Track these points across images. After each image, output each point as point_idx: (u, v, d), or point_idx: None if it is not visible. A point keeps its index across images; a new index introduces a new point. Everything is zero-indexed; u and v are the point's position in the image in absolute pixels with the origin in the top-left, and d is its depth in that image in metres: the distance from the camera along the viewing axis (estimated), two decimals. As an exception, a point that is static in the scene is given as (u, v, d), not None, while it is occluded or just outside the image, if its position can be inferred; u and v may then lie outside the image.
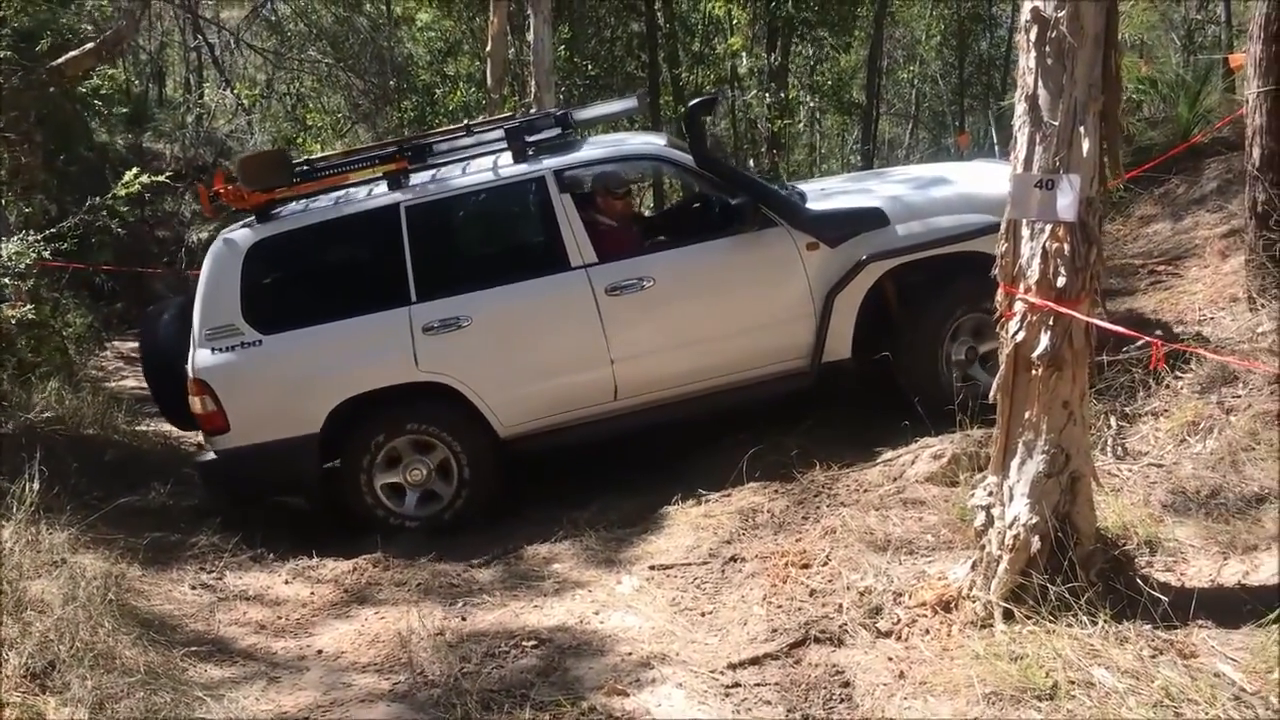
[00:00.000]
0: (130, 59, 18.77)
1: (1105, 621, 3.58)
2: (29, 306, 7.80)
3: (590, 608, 4.79)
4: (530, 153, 6.10)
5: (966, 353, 6.01)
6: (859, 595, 4.32)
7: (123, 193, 5.46)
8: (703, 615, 4.56)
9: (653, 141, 6.47)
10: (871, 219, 5.97)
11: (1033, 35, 3.75)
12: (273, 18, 12.18)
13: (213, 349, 5.95)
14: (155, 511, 6.24)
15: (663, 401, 6.06)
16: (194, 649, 4.55)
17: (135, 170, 5.25)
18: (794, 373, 6.04)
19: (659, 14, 13.78)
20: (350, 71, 11.24)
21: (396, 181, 6.08)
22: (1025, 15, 3.78)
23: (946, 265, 5.91)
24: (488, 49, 10.21)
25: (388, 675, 4.32)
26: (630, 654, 4.25)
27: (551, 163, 6.06)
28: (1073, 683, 3.33)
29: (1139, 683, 3.26)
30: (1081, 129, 3.69)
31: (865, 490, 5.29)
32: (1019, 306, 3.84)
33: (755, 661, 4.05)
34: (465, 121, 6.67)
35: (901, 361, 6.02)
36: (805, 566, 4.68)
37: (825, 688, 3.79)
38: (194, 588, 5.38)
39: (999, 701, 3.38)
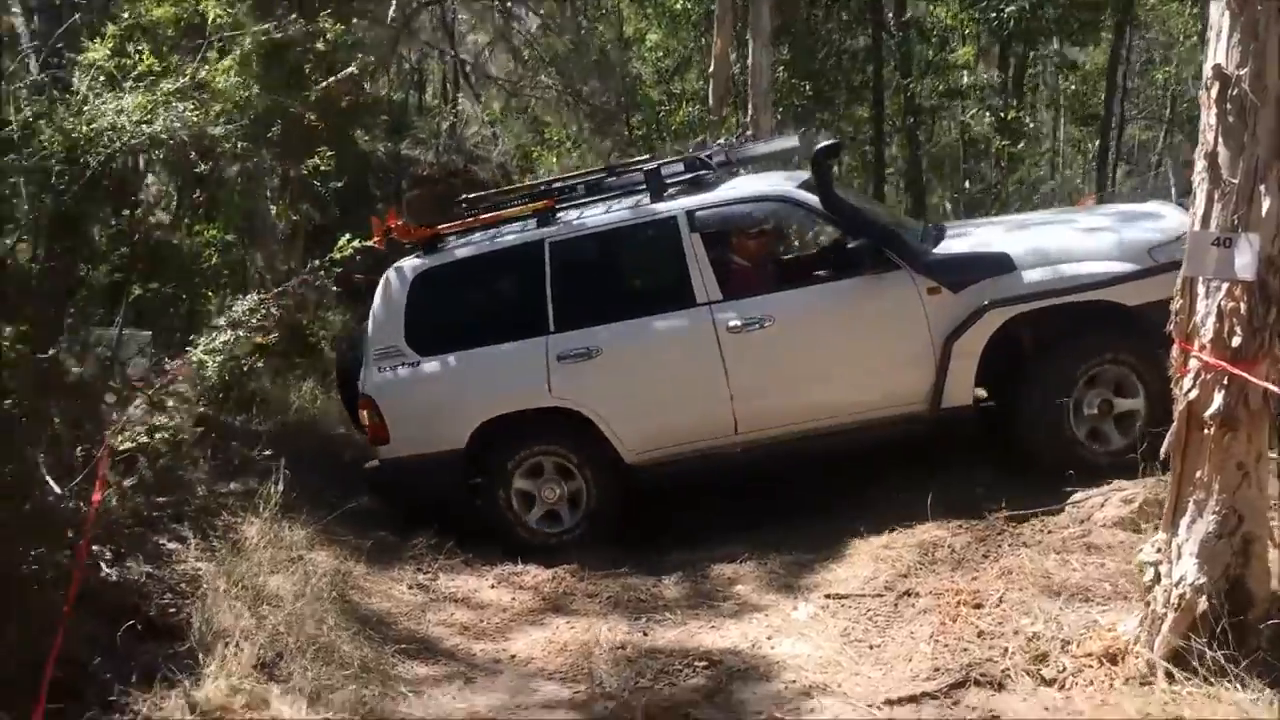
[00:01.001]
0: (394, 67, 20.12)
1: (1269, 691, 3.50)
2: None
3: (764, 632, 5.00)
4: (666, 193, 6.40)
5: (1100, 406, 5.81)
6: (1027, 640, 4.32)
7: (338, 256, 6.03)
8: (870, 648, 4.69)
9: (782, 184, 6.51)
10: (996, 264, 5.89)
11: (1214, 92, 3.68)
12: (514, 42, 12.87)
13: (379, 368, 6.57)
14: (380, 514, 6.83)
15: (782, 438, 6.20)
16: (403, 647, 5.06)
17: (347, 236, 5.81)
18: (912, 417, 6.04)
19: (889, 23, 13.66)
20: (577, 96, 11.81)
21: (545, 219, 6.49)
22: (1207, 72, 3.72)
23: (1080, 315, 5.78)
24: (710, 69, 10.52)
25: (570, 684, 4.68)
26: (794, 682, 4.44)
27: (684, 203, 6.33)
28: (1222, 752, 3.29)
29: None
30: (1262, 188, 3.61)
31: (1049, 531, 5.25)
32: (1193, 364, 3.78)
33: (913, 699, 4.14)
34: (609, 164, 7.02)
35: (1021, 414, 5.94)
36: (978, 606, 4.72)
37: (985, 734, 3.86)
38: (410, 587, 5.92)
39: (1145, 761, 3.38)
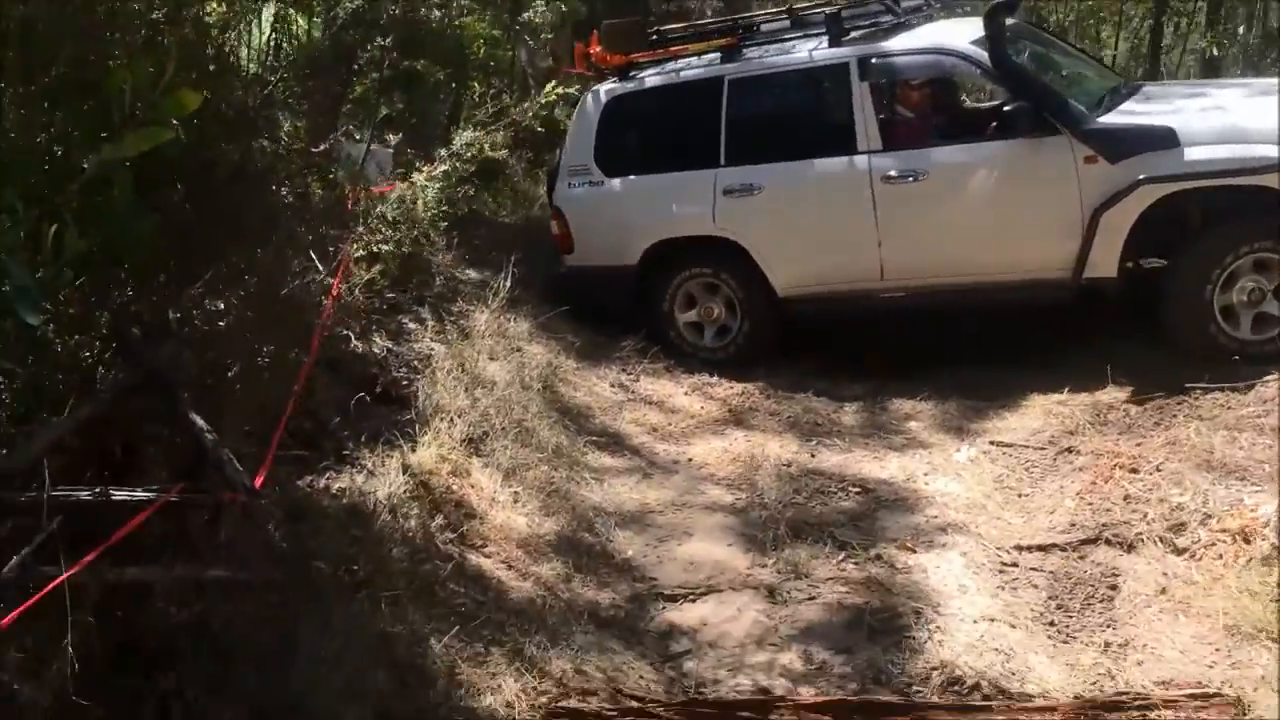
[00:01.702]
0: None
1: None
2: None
3: (922, 468, 5.34)
4: (843, 39, 6.43)
5: (1251, 293, 5.58)
6: (1170, 509, 4.48)
7: (544, 101, 6.40)
8: (1019, 496, 4.96)
9: (955, 38, 6.32)
10: (1160, 138, 5.62)
11: None
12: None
13: (569, 183, 7.16)
14: (595, 315, 7.41)
15: (925, 290, 6.35)
16: (595, 439, 5.71)
17: (553, 83, 6.17)
18: (1055, 283, 5.99)
19: None
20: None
21: (728, 56, 6.73)
22: None
23: (1240, 198, 5.50)
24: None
25: (733, 489, 5.22)
26: (936, 517, 4.80)
27: (857, 50, 6.36)
28: (1306, 637, 3.48)
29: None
30: None
31: (1228, 409, 5.23)
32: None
33: (1043, 549, 4.43)
34: (787, 6, 7.01)
35: (1166, 290, 5.80)
36: (1134, 471, 4.87)
37: (1092, 586, 4.13)
38: (612, 386, 6.53)
39: (1234, 635, 3.60)
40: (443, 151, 5.32)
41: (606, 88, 7.20)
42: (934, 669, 3.66)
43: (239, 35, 5.20)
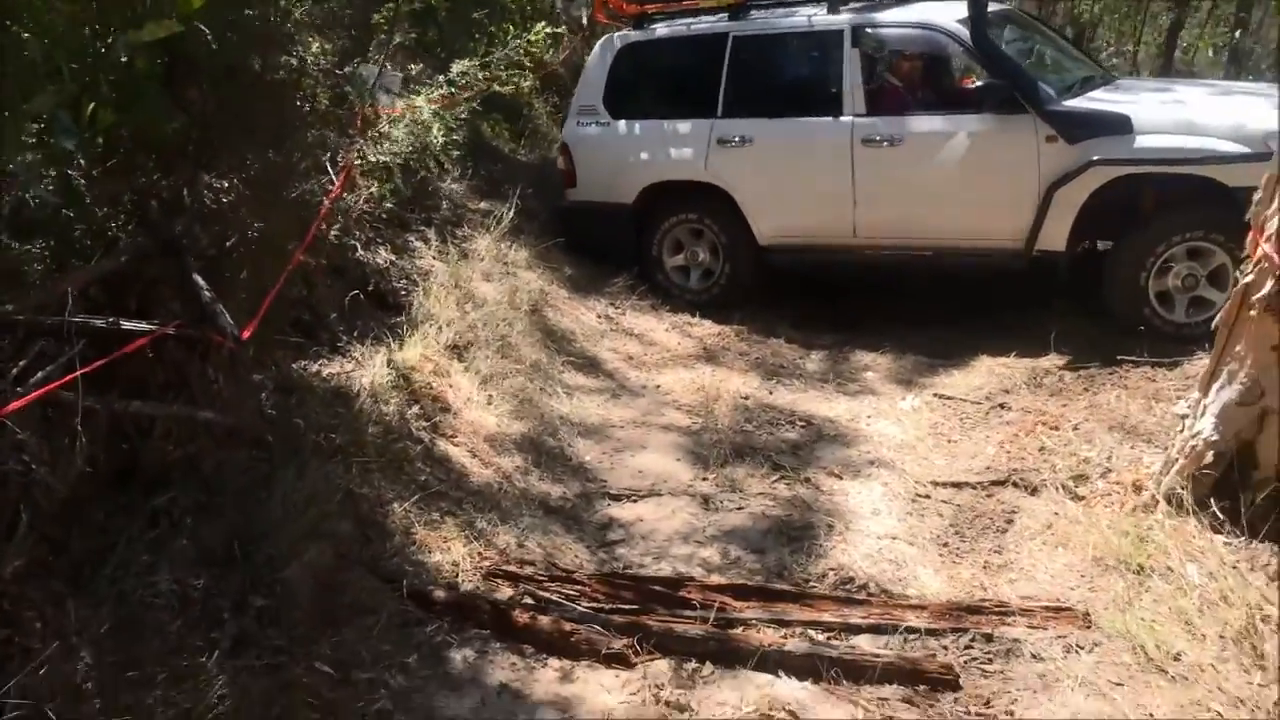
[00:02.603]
0: None
1: (1235, 536, 4.07)
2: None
3: (867, 411, 5.82)
4: (841, 7, 6.90)
5: (1185, 279, 6.01)
6: (1078, 462, 4.95)
7: (532, 38, 6.79)
8: (949, 441, 5.43)
9: (942, 15, 6.71)
10: (1115, 124, 6.04)
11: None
12: None
13: (579, 122, 7.73)
14: (594, 250, 7.89)
15: (893, 249, 6.87)
16: (572, 360, 6.22)
17: (543, 24, 6.57)
18: (1010, 252, 6.47)
19: None
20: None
21: (735, 14, 7.21)
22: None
23: (1183, 186, 5.92)
24: None
25: (691, 415, 5.71)
26: (869, 453, 5.28)
27: (851, 19, 6.82)
28: (1161, 568, 3.94)
29: (1214, 583, 3.81)
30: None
31: (1152, 380, 5.67)
32: (1259, 252, 4.17)
33: (956, 485, 4.91)
34: None
35: (1108, 269, 6.25)
36: (1054, 428, 5.33)
37: (990, 519, 4.60)
38: (598, 317, 7.03)
39: (1099, 565, 4.07)
40: (441, 78, 5.75)
41: (619, 35, 7.68)
42: (831, 569, 4.15)
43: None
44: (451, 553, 3.98)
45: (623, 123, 7.58)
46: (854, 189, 6.80)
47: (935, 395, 5.95)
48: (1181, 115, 6.17)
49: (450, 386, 5.14)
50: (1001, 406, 5.70)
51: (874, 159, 6.72)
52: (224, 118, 3.51)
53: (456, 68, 5.88)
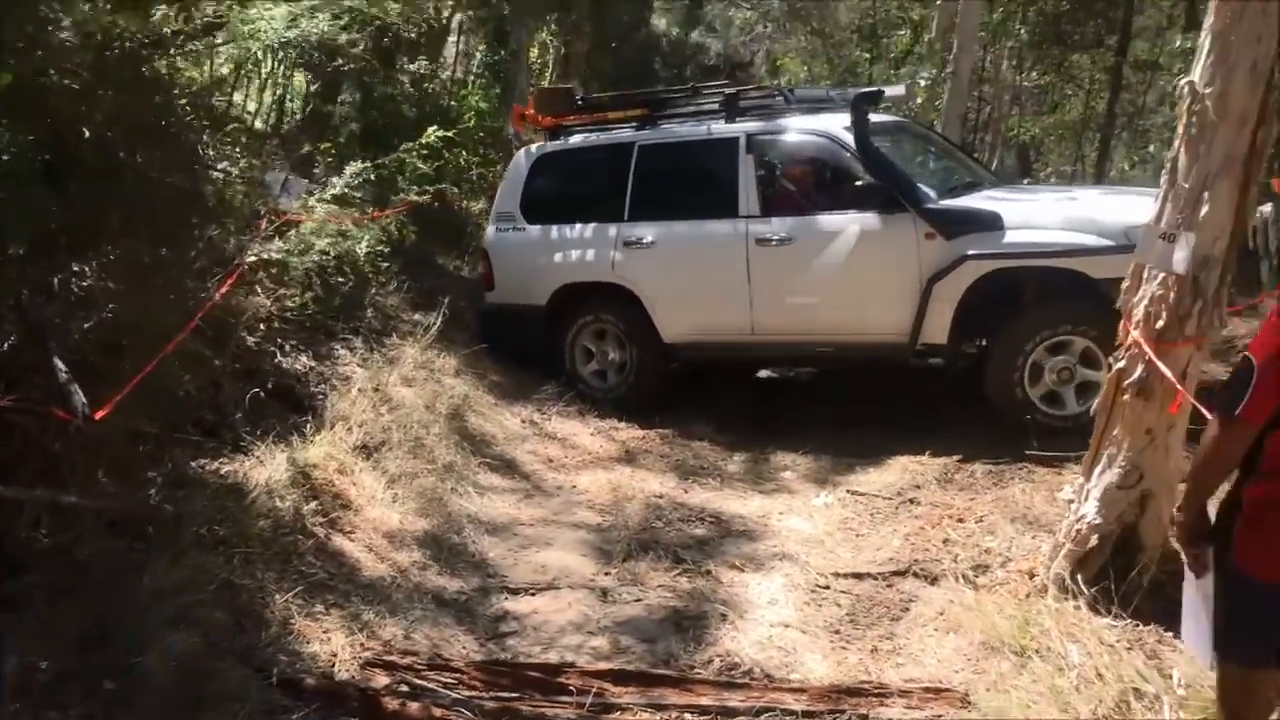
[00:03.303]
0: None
1: (1118, 617, 4.08)
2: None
3: (780, 508, 5.85)
4: (737, 117, 7.20)
5: (1061, 372, 6.16)
6: (980, 552, 4.99)
7: (424, 142, 6.97)
8: (857, 535, 5.46)
9: (830, 123, 7.01)
10: (987, 220, 6.31)
11: (1184, 104, 4.10)
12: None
13: (497, 228, 8.00)
14: (525, 357, 7.98)
15: (788, 344, 7.13)
16: (490, 461, 6.24)
17: (434, 128, 6.79)
18: (895, 345, 6.64)
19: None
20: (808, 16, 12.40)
21: (642, 125, 7.54)
22: (1183, 83, 4.13)
23: (1053, 280, 6.13)
24: (937, 1, 10.79)
25: (603, 514, 5.72)
26: (774, 547, 5.29)
27: (746, 127, 7.12)
28: (1044, 650, 3.94)
29: (1092, 662, 3.81)
30: (1207, 194, 4.03)
31: (1057, 473, 5.73)
32: (1129, 339, 4.29)
33: (857, 576, 4.92)
34: (691, 84, 8.16)
35: (987, 365, 6.41)
36: (960, 521, 5.38)
37: (887, 607, 4.61)
38: (522, 422, 7.08)
39: (985, 648, 4.07)
40: (334, 179, 5.89)
41: (538, 145, 8.00)
42: (718, 656, 4.13)
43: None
44: (331, 643, 3.94)
45: (538, 227, 7.81)
46: (750, 287, 7.00)
47: (849, 492, 5.99)
48: (1049, 212, 6.45)
49: (354, 484, 5.15)
50: (911, 501, 5.74)
51: (768, 258, 6.94)
52: (103, 212, 3.61)
53: (350, 169, 6.01)
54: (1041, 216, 6.40)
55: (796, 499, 6.02)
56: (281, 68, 9.04)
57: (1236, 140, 3.99)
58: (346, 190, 5.90)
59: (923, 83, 10.20)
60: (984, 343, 6.64)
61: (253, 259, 4.97)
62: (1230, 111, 3.97)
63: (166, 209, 3.95)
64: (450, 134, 7.17)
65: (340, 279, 6.72)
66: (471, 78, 14.85)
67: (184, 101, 4.64)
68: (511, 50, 14.47)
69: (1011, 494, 5.55)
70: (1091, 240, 6.01)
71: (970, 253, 6.30)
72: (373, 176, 6.22)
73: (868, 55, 12.56)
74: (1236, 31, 3.96)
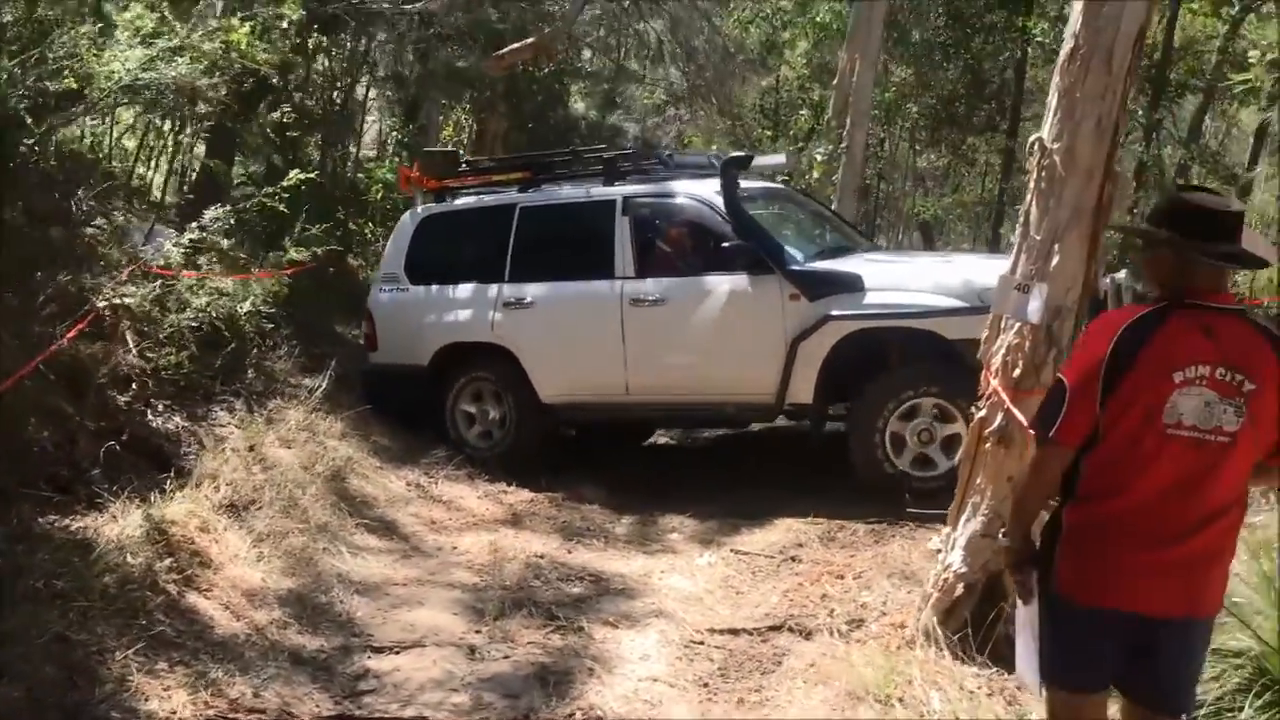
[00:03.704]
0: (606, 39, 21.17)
1: (982, 665, 4.07)
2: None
3: (662, 567, 5.78)
4: (616, 180, 7.33)
5: (920, 434, 6.23)
6: (856, 606, 4.96)
7: (287, 183, 6.87)
8: (736, 593, 5.40)
9: (701, 187, 7.15)
10: (848, 282, 6.45)
11: (1035, 158, 4.22)
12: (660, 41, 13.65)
13: (381, 289, 8.00)
14: (416, 421, 7.87)
15: (661, 404, 7.16)
16: (368, 523, 6.08)
17: (296, 171, 6.73)
18: (763, 405, 6.74)
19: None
20: (711, 97, 12.75)
21: (525, 187, 7.63)
22: (1033, 139, 4.26)
23: (911, 341, 6.26)
24: (835, 82, 11.07)
25: (480, 574, 5.58)
26: (653, 605, 5.20)
27: (623, 190, 7.23)
28: (907, 698, 3.90)
29: (952, 708, 3.78)
30: (1058, 246, 4.13)
31: (938, 531, 5.73)
32: (989, 388, 4.33)
33: (733, 632, 4.85)
34: (572, 148, 8.40)
35: (849, 427, 6.51)
36: (839, 577, 5.36)
37: (759, 661, 4.55)
38: (408, 485, 6.93)
39: (851, 698, 4.01)
40: (193, 224, 5.74)
41: (421, 209, 7.97)
42: (580, 710, 4.03)
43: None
44: (172, 700, 3.76)
45: (421, 288, 7.79)
46: (625, 347, 7.03)
47: (732, 551, 5.95)
48: (909, 275, 6.60)
49: (216, 542, 4.97)
50: (793, 559, 5.72)
51: (641, 318, 6.99)
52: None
53: (209, 213, 5.89)
54: (901, 279, 6.53)
55: (680, 558, 5.96)
56: (174, 133, 8.98)
57: (1084, 193, 4.11)
58: (205, 235, 5.75)
59: (819, 158, 10.41)
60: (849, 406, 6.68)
61: (104, 304, 4.81)
62: (1078, 165, 4.09)
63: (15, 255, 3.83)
64: (312, 176, 7.04)
65: (222, 339, 6.59)
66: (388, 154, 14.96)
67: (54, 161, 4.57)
68: (420, 125, 14.61)
69: (891, 550, 5.55)
70: (946, 301, 6.14)
71: (832, 313, 6.38)
72: (233, 221, 6.09)
73: (769, 133, 12.84)
74: (1081, 89, 4.10)
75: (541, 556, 5.83)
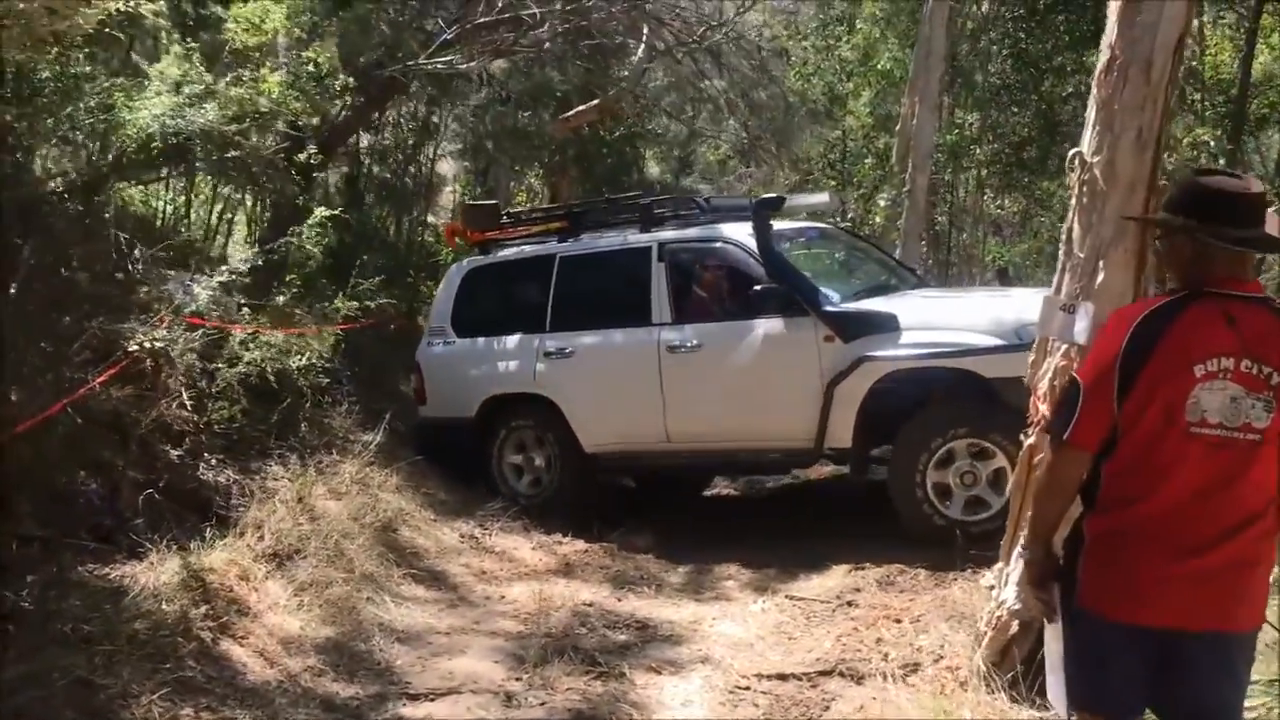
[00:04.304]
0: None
1: (1037, 706, 3.81)
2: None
3: (713, 614, 5.61)
4: (652, 227, 7.24)
5: (963, 477, 5.95)
6: (912, 650, 4.73)
7: (312, 221, 6.75)
8: (789, 639, 5.19)
9: (735, 230, 7.00)
10: (884, 322, 6.23)
11: (1075, 174, 4.06)
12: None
13: (429, 342, 7.98)
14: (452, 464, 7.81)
15: (702, 452, 6.99)
16: (415, 573, 6.01)
17: (321, 209, 6.70)
18: (803, 450, 6.55)
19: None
20: (775, 149, 12.73)
21: (564, 237, 7.58)
22: (1072, 153, 4.09)
23: (951, 381, 6.01)
24: (898, 128, 10.97)
25: (525, 622, 5.46)
26: (700, 650, 5.04)
27: (659, 236, 7.12)
28: (959, 744, 3.67)
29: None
30: (1102, 263, 3.94)
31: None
32: (1037, 415, 4.12)
33: (782, 677, 4.66)
34: (608, 196, 8.51)
35: (889, 479, 6.25)
36: (897, 621, 5.12)
37: (807, 707, 4.35)
38: (461, 537, 6.85)
39: (897, 742, 3.80)
40: (224, 267, 5.75)
41: (467, 261, 8.01)
42: (612, 756, 3.86)
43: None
44: (192, 746, 3.69)
45: (468, 341, 7.78)
46: (663, 395, 6.90)
47: (787, 597, 5.75)
48: (943, 314, 6.37)
49: (255, 590, 4.94)
50: (849, 604, 5.50)
51: (679, 365, 6.86)
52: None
53: (237, 256, 5.92)
54: (937, 317, 6.33)
55: (733, 605, 5.79)
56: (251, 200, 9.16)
57: (1127, 207, 3.92)
58: (235, 277, 5.79)
59: (883, 203, 10.27)
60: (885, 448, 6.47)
61: (135, 347, 4.86)
62: (1119, 179, 3.92)
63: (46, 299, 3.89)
64: (337, 212, 7.05)
65: (278, 394, 6.64)
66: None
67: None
68: (489, 188, 14.81)
69: (951, 594, 5.29)
70: (983, 340, 5.92)
71: (867, 354, 6.20)
72: (261, 262, 6.13)
73: (835, 183, 12.72)
74: (1120, 100, 3.94)
75: (590, 605, 5.70)
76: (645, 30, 12.90)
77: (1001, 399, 5.55)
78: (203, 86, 5.29)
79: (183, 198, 9.07)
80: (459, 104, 14.06)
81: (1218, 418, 2.31)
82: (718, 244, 7.09)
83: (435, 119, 13.28)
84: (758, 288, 6.59)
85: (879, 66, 12.34)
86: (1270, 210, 2.43)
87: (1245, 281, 2.42)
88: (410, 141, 13.53)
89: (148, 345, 4.83)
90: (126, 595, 4.33)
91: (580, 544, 6.90)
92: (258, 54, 6.06)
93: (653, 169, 22.37)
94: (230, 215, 10.12)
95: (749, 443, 6.78)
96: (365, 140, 12.58)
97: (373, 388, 8.62)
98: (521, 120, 14.93)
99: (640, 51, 14.08)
